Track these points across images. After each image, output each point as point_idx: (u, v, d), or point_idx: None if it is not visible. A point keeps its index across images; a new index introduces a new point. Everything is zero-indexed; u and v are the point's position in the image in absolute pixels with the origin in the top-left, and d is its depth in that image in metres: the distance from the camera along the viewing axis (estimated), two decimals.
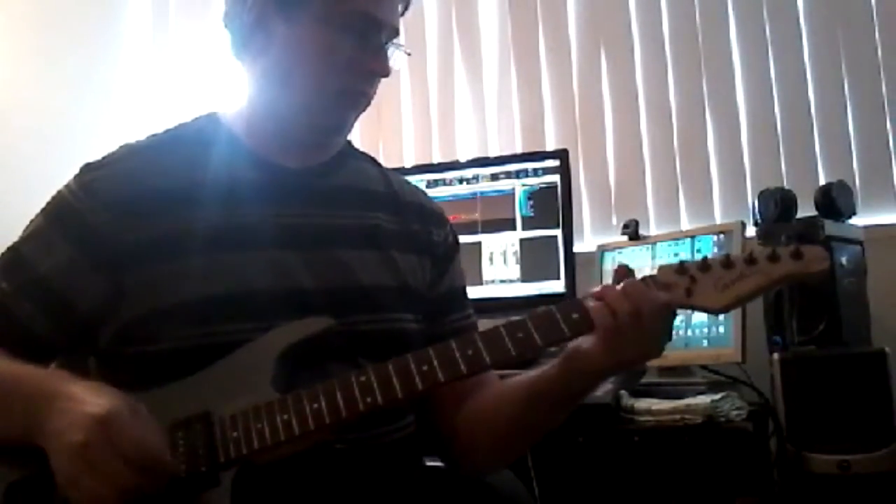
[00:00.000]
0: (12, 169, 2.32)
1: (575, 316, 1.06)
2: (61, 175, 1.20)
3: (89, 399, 1.00)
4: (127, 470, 0.96)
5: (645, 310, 1.03)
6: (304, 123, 1.23)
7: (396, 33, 1.23)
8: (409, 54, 1.27)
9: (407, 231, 1.30)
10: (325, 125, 1.25)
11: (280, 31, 1.19)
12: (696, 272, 1.06)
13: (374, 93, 1.25)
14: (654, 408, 1.84)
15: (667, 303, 1.05)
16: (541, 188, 2.29)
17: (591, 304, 1.06)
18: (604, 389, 1.84)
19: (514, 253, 2.29)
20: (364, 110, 1.26)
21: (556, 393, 1.15)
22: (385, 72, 1.23)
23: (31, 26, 2.50)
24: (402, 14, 1.26)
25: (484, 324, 1.18)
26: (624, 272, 1.09)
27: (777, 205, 2.02)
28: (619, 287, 1.06)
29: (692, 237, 2.11)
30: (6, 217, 1.41)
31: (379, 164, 1.39)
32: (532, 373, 1.18)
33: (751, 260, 1.04)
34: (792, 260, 1.03)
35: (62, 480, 0.98)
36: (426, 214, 1.35)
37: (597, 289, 1.08)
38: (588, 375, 1.11)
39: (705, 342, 2.02)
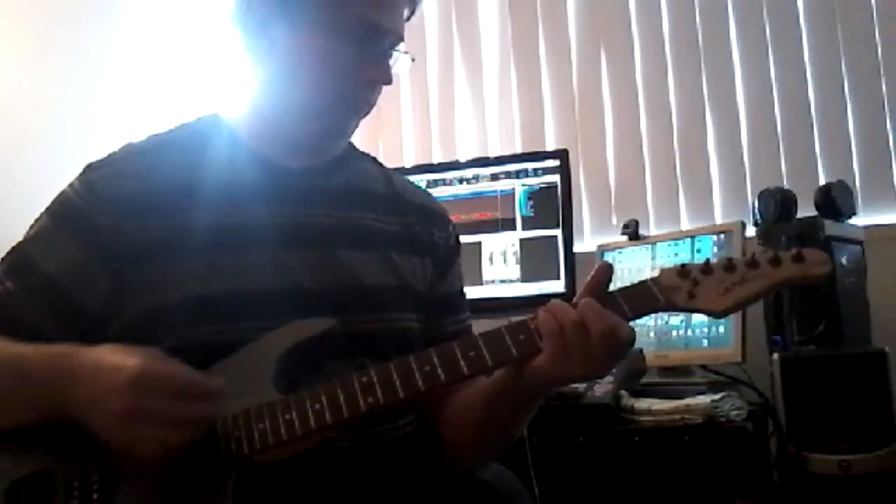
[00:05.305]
0: (15, 168, 2.32)
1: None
2: (65, 175, 1.20)
3: (117, 363, 1.02)
4: (175, 406, 1.00)
5: (595, 334, 1.01)
6: (305, 127, 1.23)
7: (400, 39, 1.23)
8: (413, 60, 1.26)
9: (408, 232, 1.30)
10: (326, 130, 1.25)
11: (283, 36, 1.19)
12: (698, 275, 1.06)
13: (377, 99, 1.25)
14: (654, 408, 1.84)
15: (621, 332, 1.02)
16: (541, 188, 2.29)
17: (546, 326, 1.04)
18: (604, 389, 1.85)
19: (514, 253, 2.29)
20: (365, 116, 1.26)
21: (513, 399, 1.14)
22: (387, 80, 1.22)
23: (32, 25, 2.50)
24: (408, 19, 1.25)
25: (484, 324, 1.18)
26: (604, 270, 1.08)
27: (777, 205, 2.02)
28: (574, 313, 1.04)
29: (692, 237, 2.11)
30: (9, 216, 1.41)
31: (381, 165, 1.39)
32: (490, 379, 1.17)
33: (752, 263, 1.04)
34: (794, 264, 1.03)
35: (116, 444, 1.01)
36: (428, 215, 1.35)
37: (556, 305, 1.06)
38: (541, 384, 1.10)
39: (705, 342, 2.02)
